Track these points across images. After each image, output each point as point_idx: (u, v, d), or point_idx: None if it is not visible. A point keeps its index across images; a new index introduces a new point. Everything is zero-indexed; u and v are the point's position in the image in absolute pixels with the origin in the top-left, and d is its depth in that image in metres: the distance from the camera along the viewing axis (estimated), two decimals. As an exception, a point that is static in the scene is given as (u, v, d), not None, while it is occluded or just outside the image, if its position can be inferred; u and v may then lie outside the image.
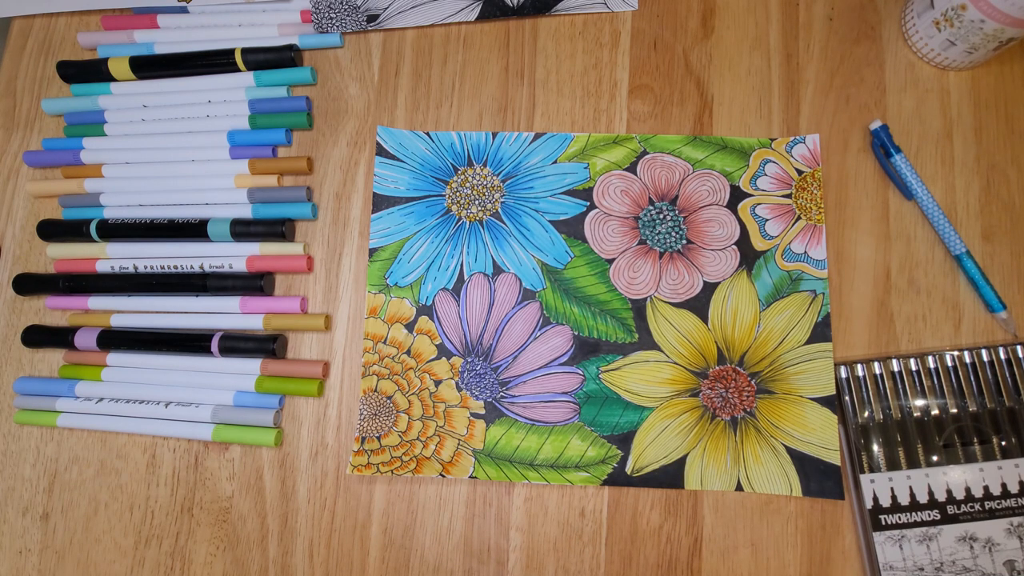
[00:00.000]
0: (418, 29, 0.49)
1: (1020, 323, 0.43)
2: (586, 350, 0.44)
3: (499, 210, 0.46)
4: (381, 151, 0.47)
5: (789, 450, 0.42)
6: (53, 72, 0.51)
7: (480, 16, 0.48)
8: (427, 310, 0.45)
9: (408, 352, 0.45)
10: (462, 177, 0.46)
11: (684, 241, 0.45)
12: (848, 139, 0.46)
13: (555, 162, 0.46)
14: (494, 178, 0.46)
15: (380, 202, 0.46)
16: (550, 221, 0.46)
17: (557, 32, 0.48)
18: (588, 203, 0.46)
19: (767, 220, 0.45)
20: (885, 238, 0.45)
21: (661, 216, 0.45)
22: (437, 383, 0.44)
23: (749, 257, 0.44)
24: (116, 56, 0.49)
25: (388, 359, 0.44)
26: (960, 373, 0.42)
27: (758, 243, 0.45)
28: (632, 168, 0.46)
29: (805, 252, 0.44)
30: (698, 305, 0.44)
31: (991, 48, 0.43)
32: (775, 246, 0.44)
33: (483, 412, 0.44)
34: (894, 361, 0.42)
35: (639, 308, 0.44)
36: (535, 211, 0.46)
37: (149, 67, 0.48)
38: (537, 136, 0.47)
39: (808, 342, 0.43)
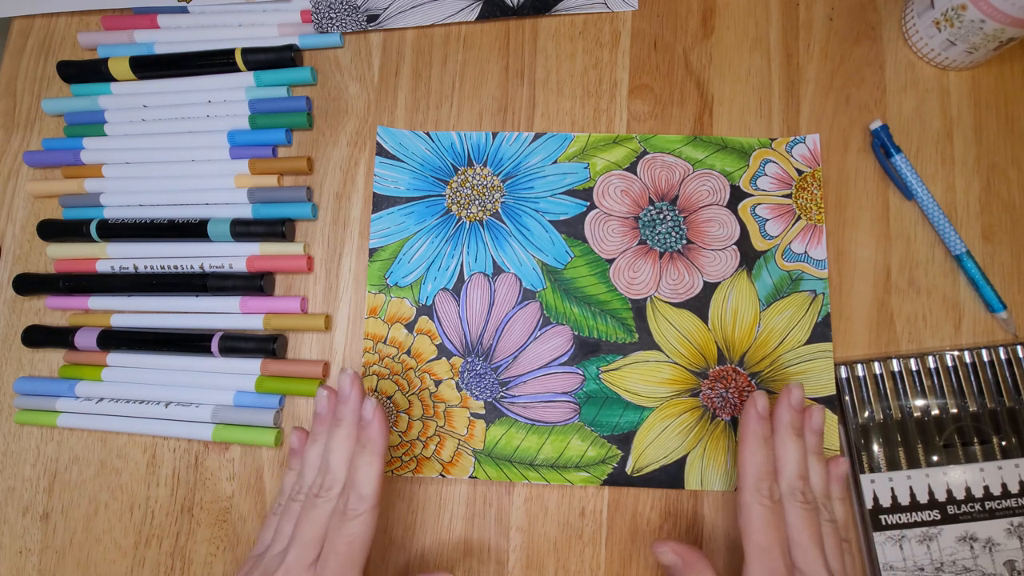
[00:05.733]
0: (418, 29, 0.49)
1: (1020, 323, 0.43)
2: (586, 350, 0.44)
3: (499, 210, 0.46)
4: (381, 151, 0.47)
5: None
6: (53, 72, 0.50)
7: (480, 16, 0.48)
8: (427, 310, 0.45)
9: (408, 352, 0.45)
10: (462, 177, 0.46)
11: (684, 241, 0.45)
12: (848, 139, 0.46)
13: (555, 162, 0.46)
14: (494, 178, 0.46)
15: (380, 202, 0.46)
16: (550, 221, 0.46)
17: (557, 32, 0.48)
18: (588, 203, 0.46)
19: (767, 220, 0.45)
20: (885, 238, 0.45)
21: (661, 216, 0.45)
22: (437, 383, 0.44)
23: (749, 257, 0.44)
24: (116, 56, 0.49)
25: (388, 359, 0.44)
26: (960, 373, 0.42)
27: (758, 243, 0.45)
28: (632, 168, 0.46)
29: (805, 252, 0.44)
30: (698, 305, 0.44)
31: (991, 48, 0.43)
32: (775, 246, 0.44)
33: (483, 412, 0.44)
34: (894, 361, 0.42)
35: (639, 308, 0.44)
36: (535, 211, 0.46)
37: (149, 67, 0.48)
38: (537, 136, 0.47)
39: (808, 342, 0.43)
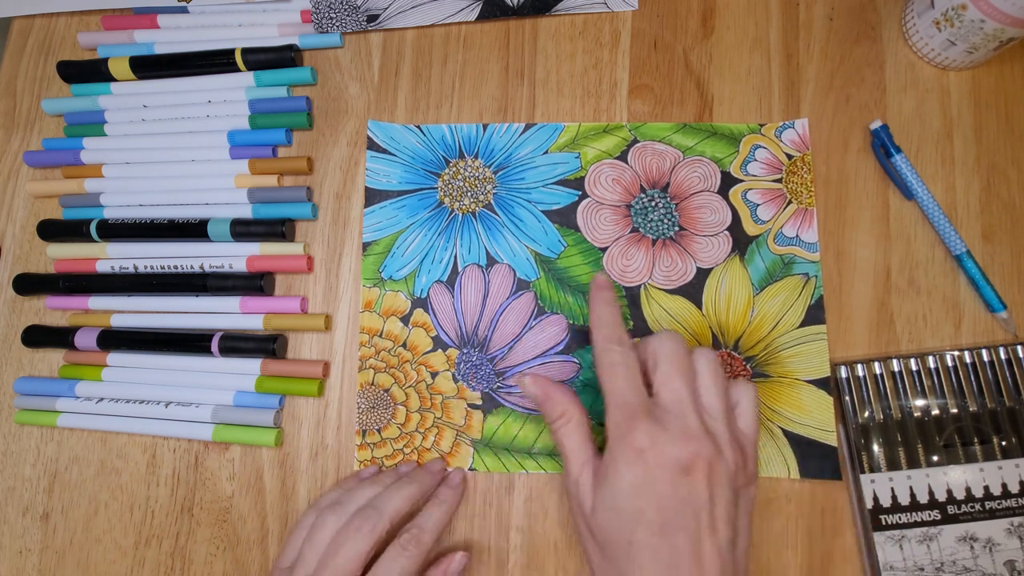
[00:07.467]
0: (418, 29, 0.49)
1: (1020, 323, 0.43)
2: (581, 339, 0.44)
3: (491, 201, 0.46)
4: (372, 145, 0.47)
5: (786, 433, 0.42)
6: (53, 72, 0.50)
7: (480, 16, 0.48)
8: (422, 303, 0.45)
9: (404, 345, 0.45)
10: (454, 169, 0.47)
11: (676, 228, 0.45)
12: (848, 139, 0.46)
13: (546, 152, 0.46)
14: (486, 170, 0.46)
15: (372, 196, 0.46)
16: (542, 211, 0.46)
17: (557, 32, 0.48)
18: (580, 192, 0.46)
19: (758, 205, 0.45)
20: (885, 238, 0.45)
21: (653, 204, 0.45)
22: (434, 375, 0.44)
23: (741, 242, 0.44)
24: (116, 56, 0.49)
25: (384, 352, 0.45)
26: (960, 373, 0.42)
27: (750, 228, 0.45)
28: (623, 157, 0.46)
29: (797, 236, 0.44)
30: (692, 291, 0.44)
31: (991, 48, 0.43)
32: (767, 230, 0.44)
33: (480, 403, 0.44)
34: (894, 361, 0.42)
35: (633, 296, 0.44)
36: (527, 201, 0.46)
37: (149, 67, 0.48)
38: (528, 127, 0.47)
39: (802, 325, 0.43)
